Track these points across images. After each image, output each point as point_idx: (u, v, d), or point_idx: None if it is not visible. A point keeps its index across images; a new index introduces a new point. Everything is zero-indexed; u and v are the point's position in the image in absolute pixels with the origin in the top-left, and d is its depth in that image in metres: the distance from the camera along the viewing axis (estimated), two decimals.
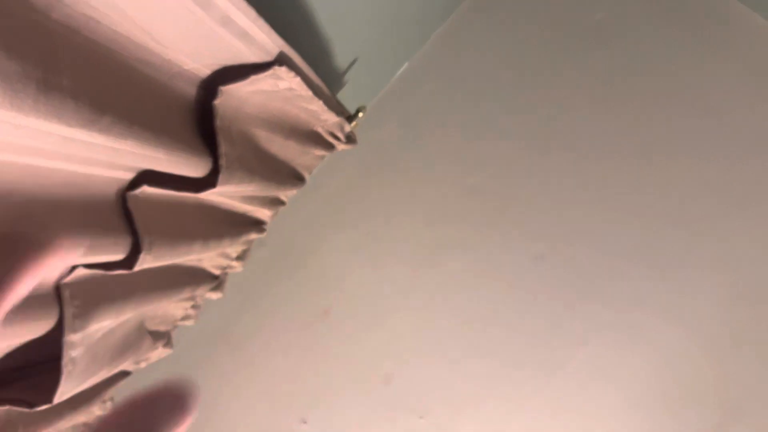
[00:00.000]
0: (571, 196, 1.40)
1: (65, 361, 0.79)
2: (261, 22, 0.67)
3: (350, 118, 1.16)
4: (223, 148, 0.78)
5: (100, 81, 0.55)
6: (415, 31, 1.45)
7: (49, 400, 0.82)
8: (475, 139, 1.46)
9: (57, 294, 0.78)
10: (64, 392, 0.82)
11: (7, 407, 0.82)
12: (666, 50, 1.42)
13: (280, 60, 0.76)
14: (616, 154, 1.40)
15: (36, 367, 0.89)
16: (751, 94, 1.39)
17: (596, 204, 1.39)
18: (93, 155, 0.60)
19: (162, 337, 1.22)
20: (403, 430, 1.42)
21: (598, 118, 1.41)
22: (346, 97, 1.30)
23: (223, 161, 0.78)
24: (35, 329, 0.77)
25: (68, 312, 0.78)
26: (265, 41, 0.71)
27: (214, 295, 1.31)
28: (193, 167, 0.76)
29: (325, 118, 1.04)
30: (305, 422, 1.49)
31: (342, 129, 1.13)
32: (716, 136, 1.39)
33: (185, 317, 1.28)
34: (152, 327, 1.17)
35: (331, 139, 1.15)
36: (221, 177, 0.79)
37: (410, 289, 1.46)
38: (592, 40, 1.43)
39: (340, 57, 1.16)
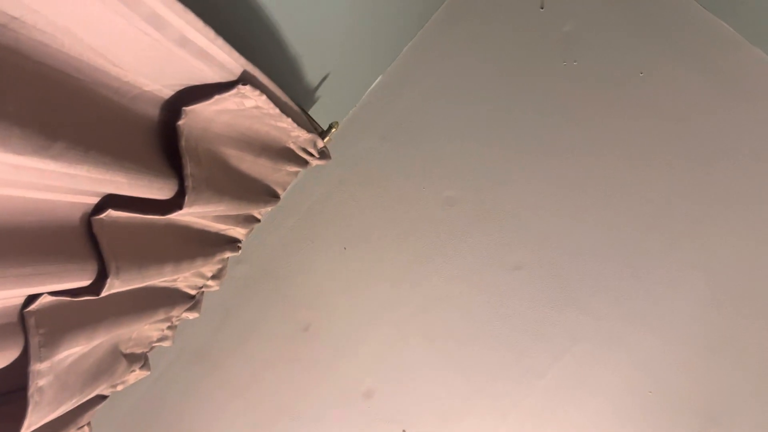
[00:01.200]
0: (548, 205, 1.40)
1: (32, 391, 0.78)
2: (220, 41, 0.66)
3: (323, 133, 1.15)
4: (189, 168, 0.77)
5: (51, 106, 0.54)
6: (388, 44, 1.45)
7: (17, 431, 0.80)
8: (451, 150, 1.46)
9: (22, 322, 0.77)
10: (32, 423, 0.80)
11: None
12: (634, 57, 1.43)
13: (244, 79, 0.75)
14: (592, 160, 1.40)
15: (3, 397, 0.87)
16: (715, 100, 1.41)
17: (573, 212, 1.39)
18: (50, 182, 0.59)
19: (138, 359, 1.21)
20: None
21: (572, 126, 1.42)
22: (320, 112, 1.30)
23: (189, 182, 0.77)
24: (0, 360, 0.75)
25: (34, 341, 0.76)
26: (227, 60, 0.70)
27: (191, 315, 1.29)
28: (158, 190, 0.75)
29: (296, 135, 1.03)
30: None
31: (315, 145, 1.13)
32: (690, 140, 1.40)
33: (162, 338, 1.27)
34: (127, 350, 1.15)
35: (304, 155, 1.14)
36: (188, 198, 0.77)
37: (389, 304, 1.45)
38: (561, 51, 1.44)
39: (312, 73, 1.16)
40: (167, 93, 0.74)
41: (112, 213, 0.77)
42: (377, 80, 1.53)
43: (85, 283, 0.77)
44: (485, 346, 1.39)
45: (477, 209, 1.43)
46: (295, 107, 0.99)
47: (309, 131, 1.06)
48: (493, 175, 1.43)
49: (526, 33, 1.47)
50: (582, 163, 1.40)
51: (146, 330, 1.18)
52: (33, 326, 0.76)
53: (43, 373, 0.79)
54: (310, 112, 1.23)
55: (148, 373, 1.27)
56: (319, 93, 1.24)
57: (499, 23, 1.49)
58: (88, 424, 1.18)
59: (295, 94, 1.15)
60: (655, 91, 1.41)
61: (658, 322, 1.37)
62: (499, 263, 1.41)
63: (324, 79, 1.22)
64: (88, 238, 0.77)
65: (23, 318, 0.76)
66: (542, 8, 1.45)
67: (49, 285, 0.71)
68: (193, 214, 0.92)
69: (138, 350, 1.20)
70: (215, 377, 1.56)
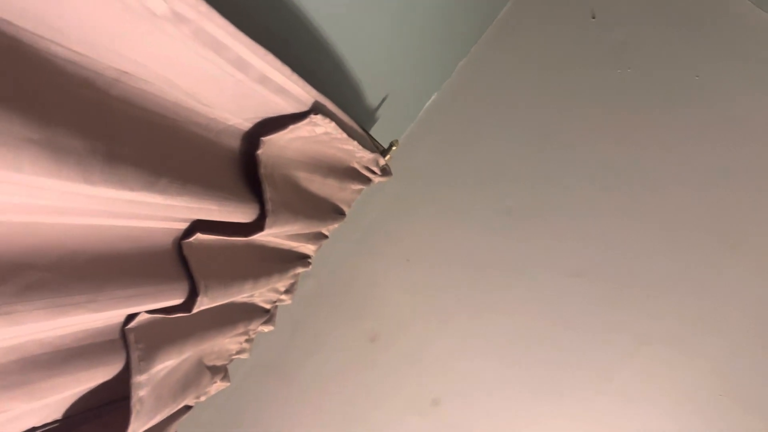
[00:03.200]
0: (606, 210, 1.41)
1: (134, 401, 0.85)
2: (295, 77, 0.72)
3: (384, 152, 1.20)
4: (269, 193, 0.84)
5: (156, 147, 0.62)
6: (442, 62, 1.50)
7: None
8: (507, 161, 1.49)
9: (123, 339, 0.85)
10: (134, 430, 0.88)
11: None
12: (688, 60, 1.43)
13: (316, 109, 0.81)
14: (650, 165, 1.40)
15: (106, 407, 0.95)
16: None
17: (633, 215, 1.39)
18: (153, 212, 0.66)
19: (219, 371, 1.28)
20: None
21: (628, 133, 1.42)
22: (380, 130, 1.36)
23: (269, 206, 0.84)
24: (105, 373, 0.83)
25: (134, 355, 0.84)
26: (300, 93, 0.77)
27: (266, 328, 1.37)
28: (242, 214, 0.82)
29: (360, 156, 1.09)
30: None
31: (377, 163, 1.18)
32: (751, 144, 1.39)
33: (240, 351, 1.34)
34: (210, 362, 1.23)
35: (367, 174, 1.20)
36: (268, 221, 0.84)
37: (453, 313, 1.48)
38: (614, 59, 1.45)
39: (372, 95, 1.22)
40: (247, 126, 0.81)
41: (200, 236, 0.85)
42: (433, 97, 1.58)
43: (178, 301, 0.84)
44: (550, 353, 1.40)
45: (535, 217, 1.45)
46: (359, 130, 1.05)
47: (372, 151, 1.11)
48: (550, 184, 1.45)
49: (579, 43, 1.49)
50: (640, 167, 1.40)
51: (226, 343, 1.25)
52: (133, 342, 0.84)
53: (143, 385, 0.87)
54: (371, 132, 1.29)
55: (228, 384, 1.34)
56: (379, 113, 1.30)
57: (551, 35, 1.51)
58: None
59: (358, 116, 1.21)
60: (712, 94, 1.41)
61: (727, 323, 1.36)
62: (560, 270, 1.42)
63: (383, 100, 1.28)
64: (179, 261, 0.85)
65: (124, 335, 0.84)
66: (594, 18, 1.48)
67: (146, 304, 0.78)
68: (271, 234, 0.99)
69: (219, 363, 1.28)
70: (287, 387, 1.62)
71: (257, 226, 0.86)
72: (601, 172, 1.42)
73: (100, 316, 0.71)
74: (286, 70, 0.70)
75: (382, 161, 1.20)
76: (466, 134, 1.54)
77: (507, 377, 1.42)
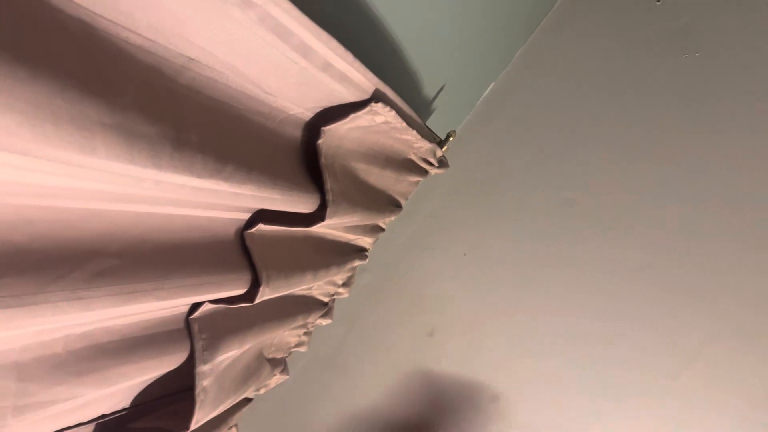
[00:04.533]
0: (670, 202, 1.35)
1: (198, 390, 0.86)
2: (357, 63, 0.72)
3: (441, 143, 1.19)
4: (329, 183, 0.83)
5: (221, 133, 0.62)
6: (499, 51, 1.48)
7: (186, 427, 0.89)
8: (567, 152, 1.45)
9: (187, 328, 0.86)
10: (198, 420, 0.89)
11: None
12: (761, 41, 1.36)
13: (377, 97, 0.81)
14: (721, 152, 1.34)
15: (171, 397, 0.97)
16: None
17: (700, 210, 1.34)
18: (217, 201, 0.66)
19: (279, 364, 1.29)
20: None
21: (698, 119, 1.36)
22: (436, 122, 1.34)
23: (329, 196, 0.83)
24: (170, 362, 0.84)
25: (198, 345, 0.85)
26: (362, 81, 0.76)
27: (324, 321, 1.37)
28: (304, 204, 0.82)
29: (418, 146, 1.08)
30: None
31: (434, 154, 1.17)
32: None
33: (299, 344, 1.35)
34: (270, 355, 1.24)
35: (424, 165, 1.19)
36: (329, 211, 0.84)
37: (511, 308, 1.45)
38: (681, 43, 1.39)
39: (429, 85, 1.20)
40: (308, 115, 0.80)
41: (261, 227, 0.85)
42: (490, 87, 1.55)
43: (240, 291, 0.84)
44: (612, 348, 1.36)
45: (597, 209, 1.40)
46: (418, 119, 1.04)
47: (430, 141, 1.10)
48: (611, 175, 1.40)
49: (642, 29, 1.43)
50: (710, 156, 1.34)
51: (286, 336, 1.26)
52: (197, 332, 0.85)
53: (206, 374, 0.88)
54: (427, 123, 1.28)
55: (288, 377, 1.35)
56: (435, 104, 1.29)
57: (613, 22, 1.46)
58: (236, 424, 1.28)
59: (415, 106, 1.20)
60: None
61: None
62: (623, 263, 1.37)
63: (441, 90, 1.26)
64: (241, 251, 0.85)
65: (189, 324, 0.85)
66: (659, 1, 1.42)
67: (210, 294, 0.78)
68: (330, 226, 0.99)
69: (279, 355, 1.29)
70: (344, 381, 1.63)
71: (318, 216, 0.86)
72: (668, 162, 1.37)
73: (166, 304, 0.72)
74: (349, 56, 0.69)
75: (439, 152, 1.18)
76: (524, 124, 1.51)
77: (566, 375, 1.39)
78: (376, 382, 1.59)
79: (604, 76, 1.45)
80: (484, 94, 1.56)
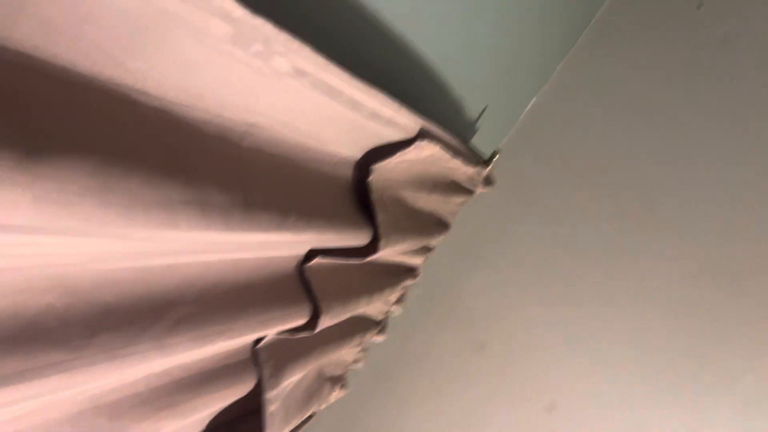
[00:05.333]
0: (726, 209, 1.33)
1: (266, 415, 0.92)
2: (402, 109, 0.76)
3: (486, 162, 1.22)
4: (380, 217, 0.88)
5: (283, 187, 0.67)
6: (540, 66, 1.49)
7: None
8: (614, 164, 1.45)
9: (254, 358, 0.92)
10: None
11: None
12: None
13: (422, 134, 0.85)
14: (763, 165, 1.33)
15: (241, 420, 1.03)
16: None
17: (750, 222, 1.31)
18: (280, 247, 0.72)
19: (338, 380, 1.35)
20: None
21: (747, 127, 1.34)
22: (481, 139, 1.37)
23: (381, 229, 0.88)
24: (239, 391, 0.90)
25: (265, 372, 0.91)
26: (408, 123, 0.80)
27: (379, 338, 1.42)
28: (357, 239, 0.86)
29: (463, 171, 1.12)
30: None
31: (480, 175, 1.20)
32: None
33: (355, 360, 1.40)
34: (329, 373, 1.29)
35: (470, 186, 1.22)
36: (381, 243, 0.88)
37: (564, 319, 1.45)
38: (724, 51, 1.38)
39: (471, 107, 1.23)
40: (358, 155, 0.85)
41: (319, 260, 0.90)
42: (532, 102, 1.57)
43: (302, 322, 0.90)
44: (670, 354, 1.35)
45: (648, 219, 1.39)
46: (462, 148, 1.07)
47: (475, 165, 1.14)
48: (661, 185, 1.39)
49: (685, 36, 1.41)
50: (759, 168, 1.33)
51: (344, 354, 1.31)
52: (263, 361, 0.91)
53: (273, 400, 0.93)
54: (472, 142, 1.31)
55: (346, 392, 1.40)
56: (479, 123, 1.32)
57: (654, 31, 1.46)
58: None
59: (458, 129, 1.23)
60: None
61: None
62: (678, 269, 1.36)
63: (483, 111, 1.29)
64: (300, 284, 0.91)
65: (255, 354, 0.91)
66: (699, 8, 1.41)
67: (274, 328, 0.84)
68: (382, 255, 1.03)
69: (337, 372, 1.34)
70: (400, 394, 1.67)
71: (371, 248, 0.90)
72: (720, 170, 1.36)
73: (235, 342, 0.78)
74: (394, 104, 0.73)
75: (484, 172, 1.21)
76: (569, 137, 1.52)
77: (621, 382, 1.39)
78: (429, 396, 1.62)
79: (648, 87, 1.45)
80: (527, 109, 1.58)
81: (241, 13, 0.46)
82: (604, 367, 1.41)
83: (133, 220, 0.44)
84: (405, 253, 1.24)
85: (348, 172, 0.87)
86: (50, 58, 0.39)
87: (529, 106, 1.57)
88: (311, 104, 0.63)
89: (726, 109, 1.36)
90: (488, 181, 1.25)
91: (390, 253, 1.00)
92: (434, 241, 1.29)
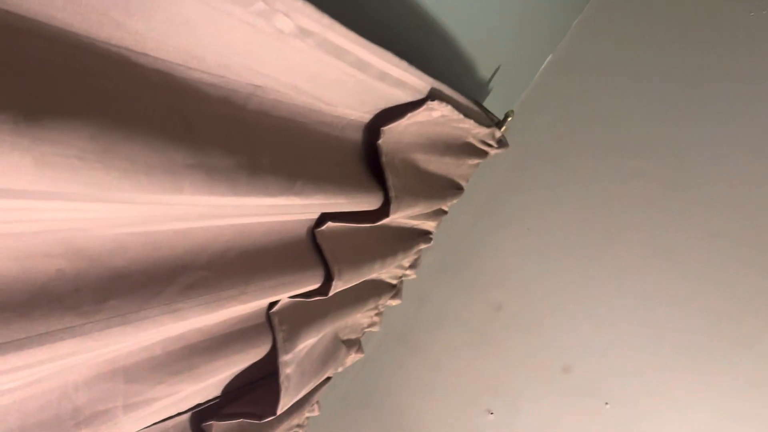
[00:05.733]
0: (750, 172, 1.30)
1: (282, 378, 0.93)
2: (412, 69, 0.75)
3: (500, 123, 1.20)
4: (391, 180, 0.87)
5: (290, 151, 0.66)
6: (555, 22, 1.46)
7: (273, 412, 0.96)
8: (631, 121, 1.41)
9: (268, 322, 0.92)
10: (284, 405, 0.96)
11: (241, 420, 0.97)
12: None
13: (432, 95, 0.83)
14: None
15: (257, 383, 1.04)
16: None
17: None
18: (289, 211, 0.72)
19: (354, 344, 1.36)
20: (589, 415, 1.42)
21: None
22: (494, 101, 1.35)
23: (392, 193, 0.87)
24: (255, 354, 0.91)
25: (279, 336, 0.92)
26: (417, 83, 0.79)
27: (394, 302, 1.42)
28: (369, 203, 0.86)
29: (476, 132, 1.10)
30: (492, 413, 1.55)
31: (493, 136, 1.18)
32: None
33: (371, 324, 1.41)
34: (345, 336, 1.30)
35: (484, 147, 1.21)
36: (392, 206, 0.88)
37: (581, 279, 1.45)
38: (747, 1, 1.33)
39: (484, 68, 1.21)
40: (367, 117, 0.84)
41: (331, 225, 0.90)
42: (547, 59, 1.54)
43: (315, 286, 0.90)
44: (688, 316, 1.34)
45: (666, 179, 1.36)
46: (474, 107, 1.05)
47: (488, 126, 1.12)
48: (680, 145, 1.36)
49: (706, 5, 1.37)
50: None
51: (359, 318, 1.32)
52: (278, 325, 0.92)
53: (289, 363, 0.94)
54: (486, 103, 1.29)
55: (362, 355, 1.42)
56: (492, 83, 1.30)
57: None
58: (317, 402, 1.36)
59: (471, 90, 1.21)
60: None
61: None
62: (698, 231, 1.33)
63: (496, 71, 1.27)
64: (313, 248, 0.91)
65: (269, 318, 0.92)
66: None
67: (288, 292, 0.84)
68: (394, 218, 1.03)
69: (353, 336, 1.35)
70: (417, 357, 1.68)
71: (383, 212, 0.90)
72: (739, 129, 1.32)
73: (249, 307, 0.79)
74: (403, 63, 0.72)
75: (498, 133, 1.20)
76: (585, 96, 1.49)
77: (641, 343, 1.38)
78: (447, 357, 1.63)
79: (668, 41, 1.41)
80: (542, 68, 1.55)
81: None
82: (620, 330, 1.41)
83: (136, 184, 0.44)
84: (418, 216, 1.23)
85: (358, 135, 0.86)
86: (47, 19, 0.39)
87: (545, 64, 1.54)
88: (317, 65, 0.62)
89: (753, 57, 1.32)
90: (502, 142, 1.23)
91: (402, 216, 1.00)
92: (448, 204, 1.28)
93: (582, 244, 1.46)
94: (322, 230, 0.90)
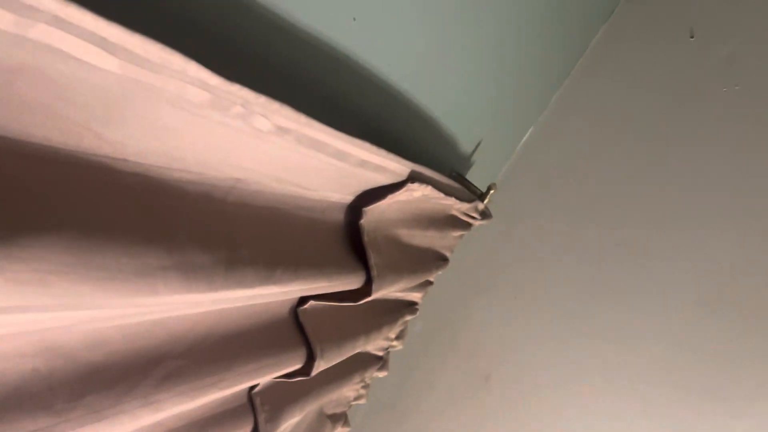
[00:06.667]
0: (726, 242, 1.32)
1: None
2: (391, 156, 0.76)
3: (482, 195, 1.22)
4: (373, 259, 0.88)
5: (270, 239, 0.67)
6: (535, 97, 1.50)
7: None
8: (614, 190, 1.44)
9: (250, 403, 0.91)
10: None
11: None
12: None
13: (412, 177, 0.85)
14: (763, 192, 1.31)
15: None
16: None
17: (752, 250, 1.30)
18: (269, 299, 0.72)
19: (339, 418, 1.34)
20: None
21: (743, 152, 1.33)
22: (477, 172, 1.37)
23: (374, 272, 0.88)
24: None
25: (261, 417, 0.91)
26: (397, 167, 0.81)
27: (381, 374, 1.41)
28: (350, 283, 0.86)
29: (459, 207, 1.12)
30: None
31: (476, 209, 1.20)
32: None
33: (357, 397, 1.39)
34: (330, 411, 1.28)
35: (467, 219, 1.22)
36: (374, 286, 0.88)
37: (569, 350, 1.45)
38: (720, 78, 1.37)
39: (465, 143, 1.24)
40: (349, 199, 0.85)
41: (313, 303, 0.90)
42: (529, 132, 1.57)
43: (297, 366, 0.89)
44: (677, 391, 1.32)
45: (648, 247, 1.38)
46: (456, 185, 1.07)
47: (470, 200, 1.14)
48: (661, 212, 1.39)
49: (680, 65, 1.42)
50: (756, 193, 1.31)
51: (344, 392, 1.30)
52: (259, 405, 0.90)
53: None
54: (467, 175, 1.31)
55: (348, 429, 1.39)
56: (474, 157, 1.32)
57: (648, 60, 1.46)
58: None
59: (453, 163, 1.24)
60: None
61: None
62: (682, 298, 1.33)
63: (478, 145, 1.29)
64: (295, 327, 0.90)
65: (251, 399, 0.91)
66: (692, 38, 1.41)
67: (269, 375, 0.83)
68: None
69: (339, 410, 1.33)
70: (405, 427, 1.66)
71: (365, 292, 0.90)
72: (716, 198, 1.34)
73: (229, 392, 0.78)
74: (382, 151, 0.74)
75: (481, 206, 1.21)
76: (566, 167, 1.52)
77: (630, 416, 1.37)
78: (436, 428, 1.61)
79: (645, 115, 1.45)
80: (524, 140, 1.58)
81: (218, 81, 0.46)
82: (610, 402, 1.40)
83: (111, 292, 0.44)
84: (403, 289, 1.23)
85: (339, 216, 0.87)
86: (24, 137, 0.40)
87: (526, 136, 1.57)
88: (297, 157, 0.64)
89: (729, 130, 1.36)
90: (485, 214, 1.25)
91: (386, 292, 1.00)
92: (433, 276, 1.28)
93: (568, 313, 1.46)
94: (305, 309, 0.90)
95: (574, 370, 1.44)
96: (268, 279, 0.64)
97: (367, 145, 0.70)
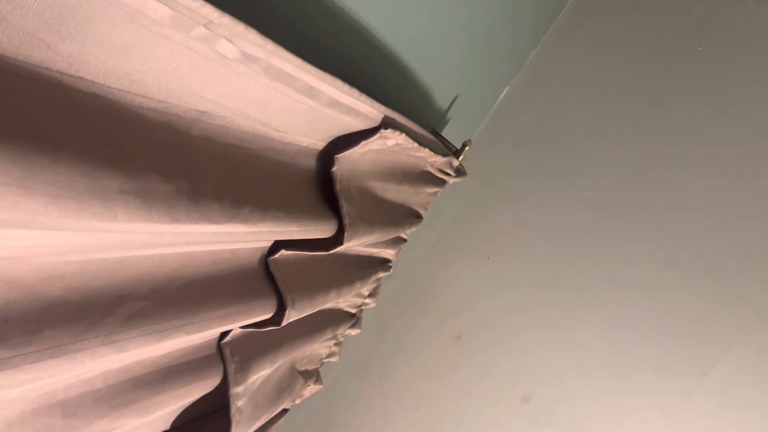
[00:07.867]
0: (698, 198, 1.33)
1: (233, 411, 0.90)
2: (363, 97, 0.74)
3: (457, 152, 1.21)
4: (345, 208, 0.86)
5: (237, 177, 0.65)
6: (512, 55, 1.48)
7: None
8: (587, 150, 1.44)
9: (219, 353, 0.90)
10: None
11: None
12: None
13: (386, 123, 0.83)
14: (744, 147, 1.32)
15: (207, 416, 1.01)
16: None
17: (728, 205, 1.31)
18: (237, 239, 0.70)
19: (312, 375, 1.33)
20: None
21: (716, 112, 1.34)
22: (453, 130, 1.36)
23: (346, 221, 0.86)
24: (205, 387, 0.88)
25: (230, 368, 0.89)
26: (370, 111, 0.79)
27: (353, 332, 1.40)
28: (321, 231, 0.85)
29: (433, 160, 1.10)
30: None
31: (451, 165, 1.19)
32: None
33: (330, 354, 1.39)
34: (302, 367, 1.28)
35: (441, 176, 1.21)
36: (346, 235, 0.87)
37: (539, 307, 1.46)
38: (696, 37, 1.37)
39: (442, 98, 1.22)
40: (320, 145, 0.83)
41: (284, 252, 0.89)
42: (505, 91, 1.56)
43: (267, 316, 0.88)
44: (642, 346, 1.35)
45: (620, 209, 1.39)
46: (430, 136, 1.06)
47: (445, 154, 1.12)
48: (633, 173, 1.39)
49: (655, 24, 1.42)
50: (731, 152, 1.32)
51: (317, 348, 1.30)
52: (229, 356, 0.89)
53: (240, 395, 0.92)
54: (444, 132, 1.30)
55: (321, 386, 1.39)
56: (450, 113, 1.31)
57: (625, 18, 1.45)
58: None
59: (429, 119, 1.22)
60: None
61: None
62: (651, 262, 1.36)
63: (453, 101, 1.28)
64: (266, 276, 0.89)
65: (220, 349, 0.89)
66: None
67: (238, 322, 0.82)
68: (350, 247, 1.02)
69: (311, 367, 1.33)
70: (377, 387, 1.66)
71: (336, 240, 0.89)
72: (687, 159, 1.35)
73: (196, 337, 0.76)
74: (354, 92, 0.72)
75: (455, 162, 1.20)
76: (542, 126, 1.51)
77: (597, 372, 1.39)
78: (407, 389, 1.61)
79: (620, 74, 1.45)
80: (500, 99, 1.57)
81: None
82: (579, 357, 1.41)
83: (64, 210, 0.42)
84: (376, 244, 1.22)
85: (311, 162, 0.85)
86: None
87: (503, 95, 1.56)
88: (265, 91, 0.61)
89: (707, 86, 1.36)
90: (460, 171, 1.24)
91: (358, 244, 0.99)
92: (407, 232, 1.27)
93: (540, 272, 1.47)
94: (276, 258, 0.88)
95: (546, 329, 1.45)
96: (235, 216, 0.62)
97: (338, 83, 0.68)
